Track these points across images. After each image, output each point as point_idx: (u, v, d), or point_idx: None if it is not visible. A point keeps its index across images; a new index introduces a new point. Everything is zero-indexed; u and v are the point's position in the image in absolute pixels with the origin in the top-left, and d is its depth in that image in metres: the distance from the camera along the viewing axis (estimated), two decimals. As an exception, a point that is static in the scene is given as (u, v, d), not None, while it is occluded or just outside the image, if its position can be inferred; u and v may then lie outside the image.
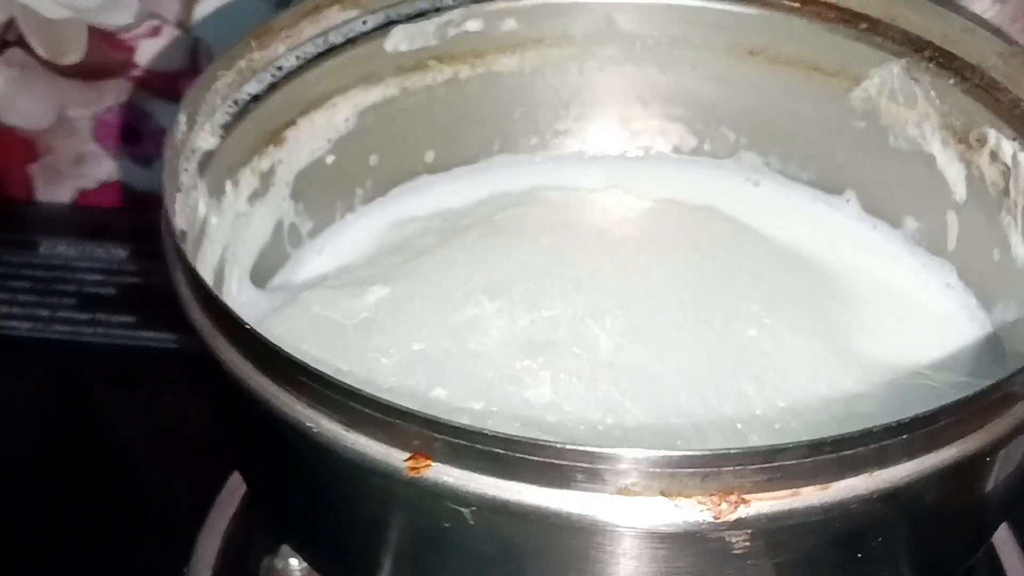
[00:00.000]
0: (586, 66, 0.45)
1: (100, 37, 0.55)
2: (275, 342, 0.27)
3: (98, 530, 0.43)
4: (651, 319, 0.36)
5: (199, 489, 0.42)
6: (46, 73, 0.57)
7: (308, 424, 0.26)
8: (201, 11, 0.54)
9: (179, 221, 0.32)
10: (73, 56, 0.56)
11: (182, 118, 0.34)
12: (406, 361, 0.35)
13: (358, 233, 0.42)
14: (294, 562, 0.39)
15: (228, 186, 0.37)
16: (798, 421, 0.32)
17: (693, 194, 0.43)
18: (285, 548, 0.39)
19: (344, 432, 0.26)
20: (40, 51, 0.56)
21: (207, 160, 0.36)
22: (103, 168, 0.60)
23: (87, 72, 0.57)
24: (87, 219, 0.59)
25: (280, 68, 0.39)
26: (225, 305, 0.28)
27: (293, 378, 0.26)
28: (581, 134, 0.46)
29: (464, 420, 0.32)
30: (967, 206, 0.39)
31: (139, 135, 0.59)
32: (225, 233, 0.37)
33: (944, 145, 0.39)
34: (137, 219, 0.59)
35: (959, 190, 0.39)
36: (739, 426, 0.32)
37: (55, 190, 0.61)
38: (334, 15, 0.40)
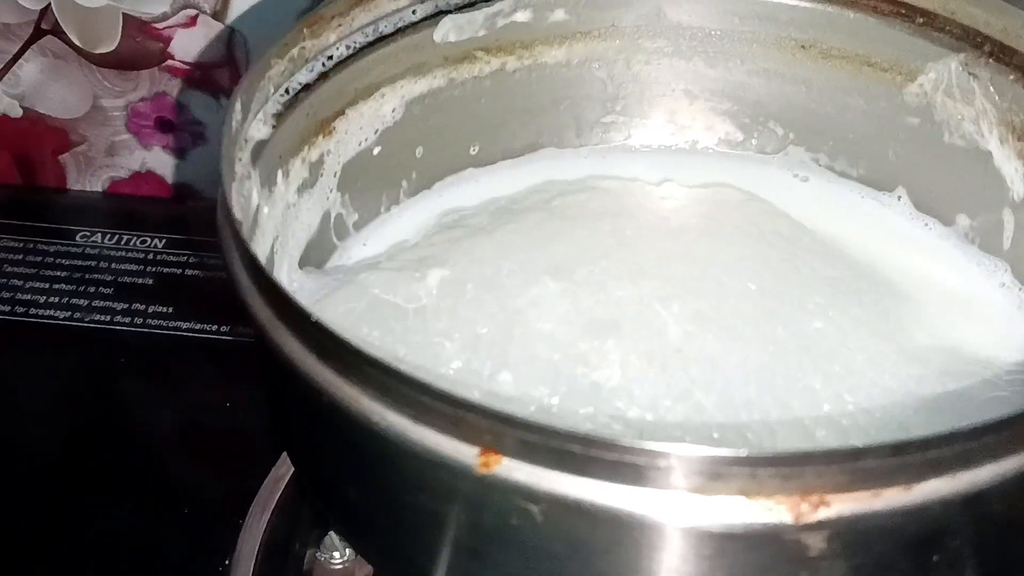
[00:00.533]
0: (633, 59, 0.44)
1: (135, 26, 0.55)
2: (335, 328, 0.26)
3: (133, 523, 0.43)
4: (717, 307, 0.36)
5: (238, 482, 0.42)
6: (80, 62, 0.57)
7: (374, 417, 0.26)
8: (238, 2, 0.54)
9: (235, 212, 0.31)
10: (107, 45, 0.56)
11: (237, 106, 0.33)
12: (470, 344, 0.34)
13: (404, 225, 0.42)
14: (337, 555, 0.38)
15: (279, 176, 0.37)
16: (865, 418, 0.32)
17: (742, 188, 0.43)
18: (328, 541, 0.39)
19: (412, 426, 0.26)
20: (75, 39, 0.56)
21: (260, 149, 0.35)
22: (136, 158, 0.60)
23: (121, 61, 0.57)
24: (122, 208, 0.59)
25: (331, 57, 0.38)
26: (288, 293, 0.27)
27: (359, 369, 0.26)
28: (627, 127, 0.46)
29: (532, 408, 0.32)
30: (1024, 205, 0.39)
31: (173, 126, 0.58)
32: (276, 224, 0.37)
33: (1002, 142, 0.39)
34: (173, 209, 0.59)
35: (1016, 187, 0.39)
36: (807, 421, 0.32)
37: (88, 179, 0.60)
38: (384, 4, 0.39)
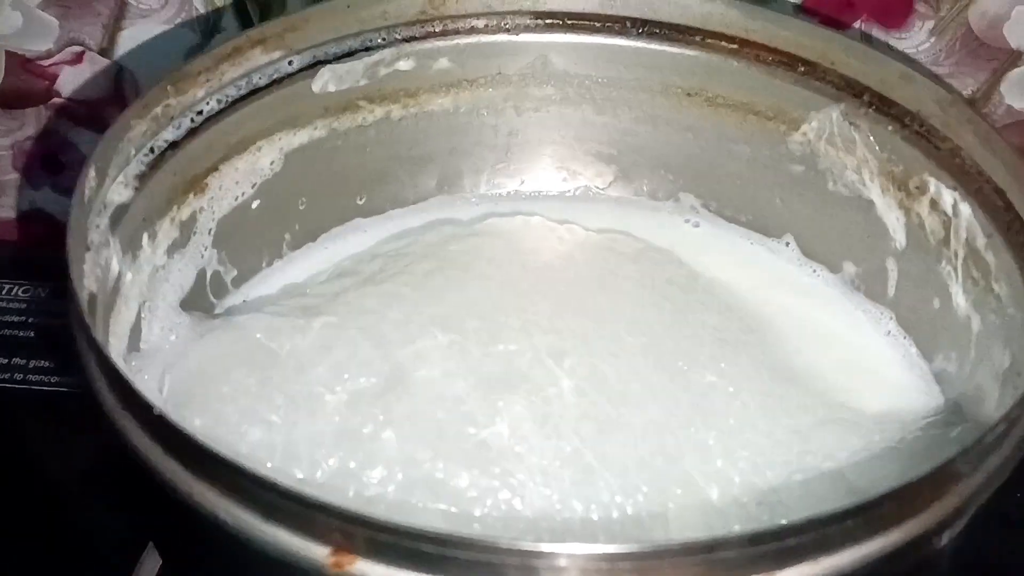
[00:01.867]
0: (522, 106, 0.44)
1: (19, 63, 0.53)
2: (179, 423, 0.25)
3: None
4: (612, 362, 0.35)
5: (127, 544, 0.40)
6: (-38, 100, 0.55)
7: (222, 515, 0.25)
8: (125, 38, 0.52)
9: (88, 283, 0.30)
10: (-10, 83, 0.54)
11: (91, 172, 0.32)
12: (352, 398, 0.33)
13: (288, 279, 0.41)
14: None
15: (144, 239, 0.35)
16: (758, 475, 0.32)
17: (631, 234, 0.42)
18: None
19: (262, 524, 0.24)
20: (-46, 77, 0.54)
21: (120, 214, 0.34)
22: (24, 198, 0.58)
23: (6, 99, 0.55)
24: (3, 255, 0.56)
25: (200, 112, 0.37)
26: (134, 387, 0.26)
27: (206, 465, 0.25)
28: (518, 174, 0.45)
29: (415, 471, 0.31)
30: (906, 253, 0.39)
31: (62, 164, 0.57)
32: (141, 289, 0.35)
33: (883, 192, 0.39)
34: (58, 255, 0.57)
35: (899, 237, 0.39)
36: (699, 480, 0.32)
37: (-27, 219, 0.58)
38: (256, 57, 0.38)
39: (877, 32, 0.49)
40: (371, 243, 0.42)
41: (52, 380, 0.48)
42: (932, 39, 0.48)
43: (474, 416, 0.33)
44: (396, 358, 0.35)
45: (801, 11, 0.48)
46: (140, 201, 0.35)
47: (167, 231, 0.37)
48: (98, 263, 0.32)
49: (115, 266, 0.33)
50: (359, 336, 0.36)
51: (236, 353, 0.35)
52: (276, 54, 0.39)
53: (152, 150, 0.35)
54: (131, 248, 0.35)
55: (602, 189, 0.45)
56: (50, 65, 0.53)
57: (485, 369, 0.35)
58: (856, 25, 0.48)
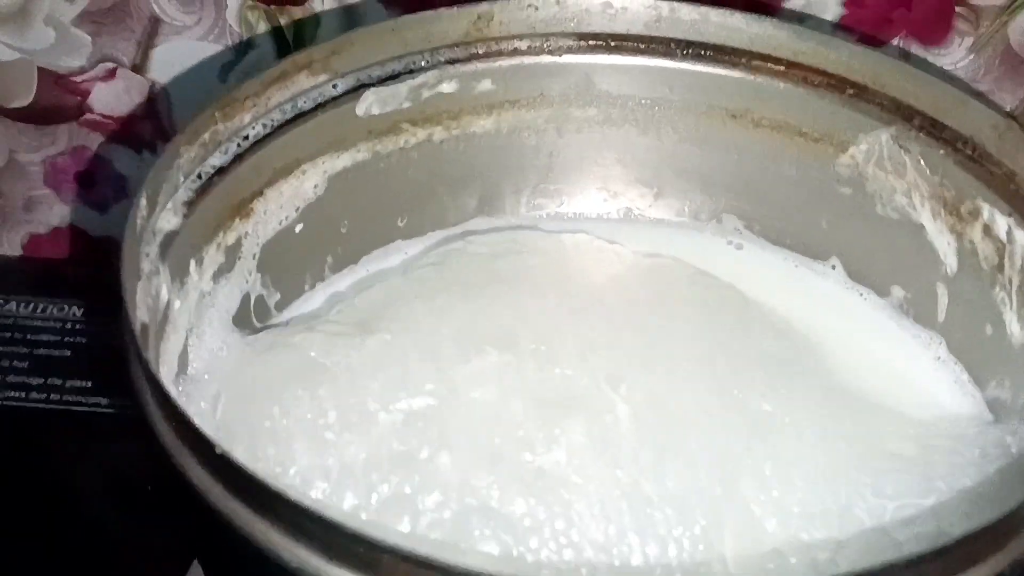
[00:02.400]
0: (564, 127, 0.43)
1: (51, 80, 0.53)
2: (243, 463, 0.25)
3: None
4: (668, 388, 0.35)
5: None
6: (-7, 116, 0.55)
7: (285, 555, 0.25)
8: (158, 55, 0.52)
9: (140, 314, 0.30)
10: (22, 99, 0.54)
11: (142, 201, 0.32)
12: (408, 419, 0.33)
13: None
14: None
15: (192, 265, 0.35)
16: (815, 506, 0.31)
17: (678, 258, 0.42)
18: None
19: (326, 565, 0.24)
20: (-14, 94, 0.54)
21: (169, 241, 0.34)
22: (55, 213, 0.58)
23: (37, 115, 0.55)
24: (39, 272, 0.56)
25: (246, 137, 0.37)
26: (195, 425, 0.26)
27: (269, 505, 0.25)
28: (559, 196, 0.45)
29: (471, 498, 0.31)
30: (958, 278, 0.38)
31: (94, 180, 0.57)
32: (189, 315, 0.35)
33: (934, 216, 0.38)
34: (92, 273, 0.57)
35: (950, 262, 0.39)
36: (756, 510, 0.31)
37: (5, 236, 0.58)
38: (302, 81, 0.38)
39: (916, 49, 0.48)
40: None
41: (89, 400, 0.48)
42: (971, 56, 0.48)
43: (531, 442, 0.33)
44: (451, 377, 0.35)
45: (838, 28, 0.48)
46: (188, 228, 0.34)
47: (213, 257, 0.36)
48: (149, 292, 0.32)
49: (164, 294, 0.33)
50: (414, 353, 0.35)
51: (290, 372, 0.35)
52: (321, 78, 0.39)
53: (199, 176, 0.35)
54: (179, 275, 0.34)
55: (643, 210, 0.45)
56: (82, 81, 0.53)
57: (542, 392, 0.34)
58: (895, 42, 0.48)
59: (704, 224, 0.44)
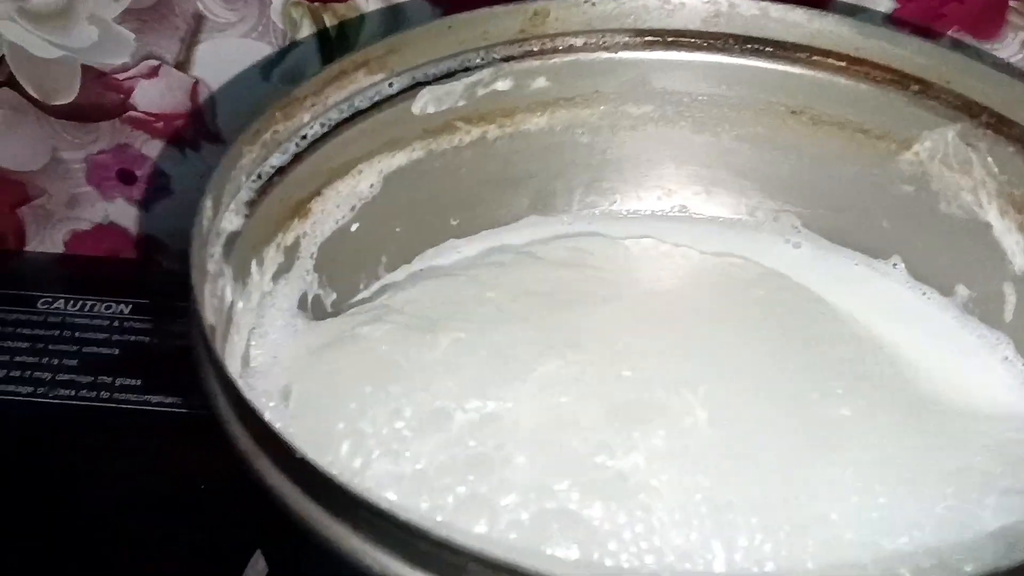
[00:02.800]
0: (618, 125, 0.43)
1: (94, 77, 0.53)
2: (325, 468, 0.24)
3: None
4: (743, 393, 0.34)
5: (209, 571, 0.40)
6: (37, 114, 0.55)
7: (366, 560, 0.24)
8: (201, 52, 0.52)
9: (208, 316, 0.30)
10: (65, 96, 0.54)
11: (208, 202, 0.31)
12: (484, 420, 0.33)
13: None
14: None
15: (253, 266, 0.35)
16: (899, 512, 0.31)
17: (737, 257, 0.41)
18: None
19: (410, 571, 0.24)
20: (31, 91, 0.54)
21: (232, 242, 0.33)
22: (98, 210, 0.58)
23: (80, 113, 0.55)
24: (84, 271, 0.56)
25: (304, 137, 0.37)
26: (273, 428, 0.25)
27: (351, 511, 0.24)
28: (612, 194, 0.44)
29: (549, 501, 0.30)
30: (1026, 279, 0.38)
31: (135, 178, 0.57)
32: (252, 316, 0.35)
33: (1002, 214, 0.38)
34: (137, 271, 0.57)
35: (1018, 261, 0.38)
36: (835, 517, 0.31)
37: (48, 233, 0.58)
38: (360, 79, 0.38)
39: (968, 43, 0.48)
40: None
41: (139, 399, 0.48)
42: (1022, 52, 0.47)
43: (610, 446, 0.32)
44: (526, 380, 0.34)
45: (889, 21, 0.47)
46: (249, 228, 0.34)
47: (273, 257, 0.36)
48: (214, 293, 0.31)
49: (228, 295, 0.33)
50: (486, 354, 0.35)
51: (362, 368, 0.34)
52: (378, 76, 0.38)
53: (259, 176, 0.35)
54: (241, 276, 0.34)
55: (698, 208, 0.44)
56: (125, 79, 0.53)
57: (617, 397, 0.34)
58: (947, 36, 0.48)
59: (761, 222, 0.44)
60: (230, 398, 0.26)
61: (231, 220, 0.33)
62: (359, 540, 0.25)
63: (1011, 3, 0.46)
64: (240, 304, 0.34)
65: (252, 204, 0.34)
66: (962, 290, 0.40)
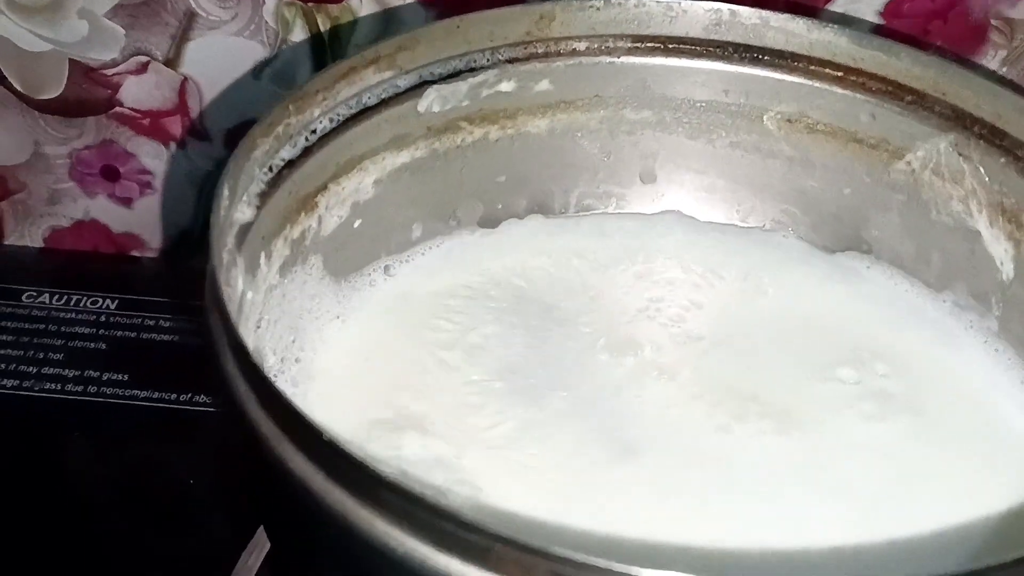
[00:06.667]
0: (617, 129, 0.43)
1: (82, 72, 0.53)
2: (351, 449, 0.25)
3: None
4: (811, 422, 0.36)
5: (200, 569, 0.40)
6: (21, 107, 0.54)
7: (391, 543, 0.24)
8: (191, 50, 0.52)
9: (230, 301, 0.30)
10: (51, 91, 0.53)
11: (224, 191, 0.31)
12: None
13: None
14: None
15: (262, 258, 0.35)
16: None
17: (731, 263, 0.42)
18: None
19: (434, 553, 0.24)
20: (17, 84, 0.53)
21: (244, 233, 0.34)
22: (78, 207, 0.57)
23: (66, 108, 0.54)
24: (68, 265, 0.56)
25: (314, 131, 0.37)
26: (297, 409, 0.25)
27: (376, 493, 0.25)
28: (609, 197, 0.45)
29: (600, 496, 0.31)
30: (1013, 286, 0.39)
31: (119, 174, 0.56)
32: (259, 308, 0.35)
33: (991, 223, 0.39)
34: (122, 266, 0.57)
35: (1006, 268, 0.39)
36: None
37: (27, 228, 0.57)
38: (369, 76, 0.38)
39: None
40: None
41: (127, 393, 0.48)
42: (1004, 68, 0.49)
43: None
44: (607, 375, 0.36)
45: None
46: (260, 220, 0.34)
47: (280, 250, 0.36)
48: (228, 283, 0.31)
49: (240, 285, 0.33)
50: (533, 356, 0.37)
51: (388, 344, 0.36)
52: (387, 74, 0.38)
53: (271, 168, 0.35)
54: (251, 267, 0.34)
55: (695, 214, 0.45)
56: (113, 74, 0.53)
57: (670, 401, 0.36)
58: (930, 54, 0.49)
59: (751, 228, 0.44)
60: (252, 381, 0.27)
61: (244, 211, 0.33)
62: (384, 523, 0.25)
63: (992, 22, 0.48)
64: (250, 295, 0.34)
65: (263, 196, 0.34)
66: (952, 296, 0.41)
